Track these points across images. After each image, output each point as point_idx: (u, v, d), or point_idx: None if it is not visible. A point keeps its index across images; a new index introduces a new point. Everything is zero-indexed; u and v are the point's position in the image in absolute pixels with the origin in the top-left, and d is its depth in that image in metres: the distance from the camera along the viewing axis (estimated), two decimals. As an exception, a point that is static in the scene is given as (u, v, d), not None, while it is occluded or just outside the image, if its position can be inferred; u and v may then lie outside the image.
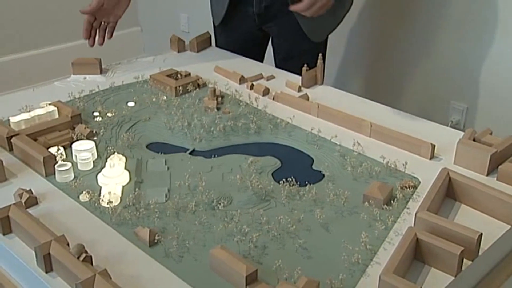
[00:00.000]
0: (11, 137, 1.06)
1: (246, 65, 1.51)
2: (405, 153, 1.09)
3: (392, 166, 1.04)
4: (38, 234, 0.80)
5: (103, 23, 1.45)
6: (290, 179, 0.99)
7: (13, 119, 1.13)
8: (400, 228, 0.88)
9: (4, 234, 0.85)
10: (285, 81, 1.41)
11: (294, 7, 1.35)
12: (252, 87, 1.38)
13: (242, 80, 1.41)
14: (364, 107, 1.29)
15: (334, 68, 2.45)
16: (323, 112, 1.23)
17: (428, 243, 0.78)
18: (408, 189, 0.97)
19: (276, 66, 1.63)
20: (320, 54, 1.39)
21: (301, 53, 1.55)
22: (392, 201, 0.94)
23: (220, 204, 0.92)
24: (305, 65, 1.38)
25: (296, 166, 1.09)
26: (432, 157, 1.07)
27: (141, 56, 1.62)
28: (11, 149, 1.07)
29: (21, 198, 0.91)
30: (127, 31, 3.42)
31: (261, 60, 1.68)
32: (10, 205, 0.86)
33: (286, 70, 1.49)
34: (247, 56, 1.57)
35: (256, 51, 1.68)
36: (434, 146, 1.07)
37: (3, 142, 1.08)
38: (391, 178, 1.01)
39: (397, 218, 0.90)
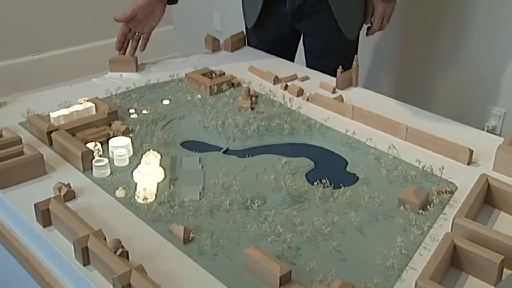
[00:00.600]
0: (51, 132, 1.09)
1: (279, 65, 1.51)
2: (442, 157, 1.07)
3: (428, 170, 1.02)
4: (76, 227, 0.82)
5: (136, 33, 1.46)
6: (324, 181, 0.98)
7: (53, 115, 1.15)
8: (436, 233, 0.86)
9: (44, 227, 0.87)
10: (319, 82, 1.40)
11: (369, 33, 1.66)
12: (286, 87, 1.37)
13: (276, 80, 1.41)
14: (399, 109, 1.28)
15: (364, 68, 2.42)
16: (358, 114, 1.22)
17: (466, 250, 0.77)
18: (444, 194, 0.95)
19: (307, 66, 1.62)
20: (356, 56, 1.37)
21: (333, 52, 1.55)
22: (428, 206, 0.92)
23: (254, 203, 0.93)
24: (340, 66, 1.37)
25: (330, 168, 1.09)
26: (469, 162, 1.05)
27: (176, 56, 1.64)
28: (50, 144, 1.10)
29: (60, 192, 0.93)
30: (160, 30, 3.43)
31: (292, 60, 1.68)
32: (50, 199, 0.88)
33: (317, 69, 1.48)
34: (278, 55, 1.57)
35: (288, 50, 1.68)
36: (472, 151, 1.05)
37: (43, 137, 1.10)
38: (427, 183, 1.00)
39: (433, 224, 0.89)
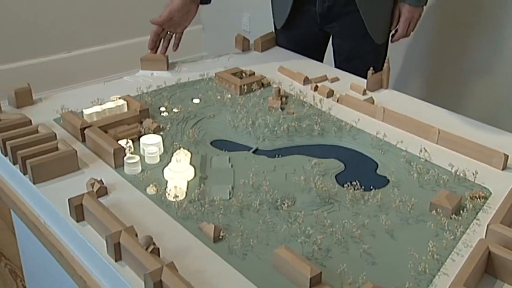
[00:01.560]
0: (84, 128, 1.11)
1: (309, 66, 1.51)
2: (475, 162, 1.05)
3: (461, 175, 1.01)
4: (109, 223, 0.83)
5: (168, 33, 1.48)
6: (355, 183, 0.98)
7: (86, 111, 1.17)
8: (470, 239, 0.85)
9: (77, 221, 0.88)
10: (349, 83, 1.40)
11: (394, 39, 1.60)
12: (316, 88, 1.37)
13: (306, 81, 1.41)
14: (431, 112, 1.26)
15: (394, 70, 2.40)
16: (389, 117, 1.21)
17: (501, 257, 0.75)
18: (478, 199, 0.94)
19: (336, 67, 1.61)
20: (388, 58, 1.36)
21: (361, 55, 1.53)
22: (461, 211, 0.91)
23: (284, 204, 0.93)
24: (371, 68, 1.36)
25: (360, 170, 1.08)
26: (504, 167, 1.03)
27: (205, 55, 1.65)
28: (83, 140, 1.11)
29: (93, 188, 0.95)
30: (189, 29, 3.47)
31: (321, 60, 1.67)
32: (83, 194, 0.89)
33: (346, 71, 1.47)
34: (307, 56, 1.57)
35: (316, 51, 1.67)
36: (507, 156, 1.03)
37: (77, 133, 1.12)
38: (460, 188, 0.98)
39: (466, 229, 0.87)
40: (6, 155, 1.05)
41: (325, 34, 1.66)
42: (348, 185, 0.98)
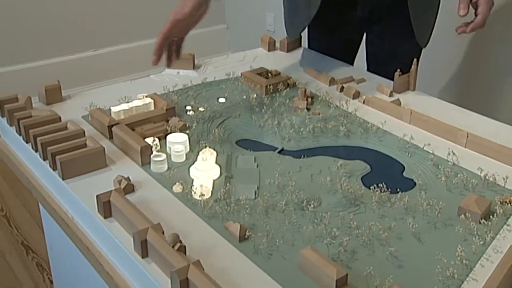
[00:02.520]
0: (112, 126, 1.12)
1: (335, 67, 1.50)
2: (505, 166, 1.03)
3: (491, 179, 0.99)
4: (136, 220, 0.84)
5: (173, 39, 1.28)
6: (381, 185, 0.97)
7: (114, 109, 1.18)
8: (500, 245, 0.83)
9: (105, 218, 0.89)
10: (376, 85, 1.38)
11: (469, 29, 1.25)
12: (342, 89, 1.36)
13: (332, 82, 1.40)
14: (459, 115, 1.24)
15: (422, 72, 2.36)
16: (416, 119, 1.19)
17: (533, 264, 0.74)
18: (509, 205, 0.92)
19: (369, 69, 1.58)
20: (415, 59, 1.34)
21: (401, 57, 1.48)
22: (490, 216, 0.89)
23: (309, 205, 0.92)
24: (398, 70, 1.35)
25: (386, 172, 1.07)
26: (535, 173, 1.01)
27: (230, 55, 1.65)
28: (111, 137, 1.12)
29: (120, 185, 0.96)
30: (213, 29, 3.50)
31: (352, 63, 1.65)
32: (111, 191, 0.90)
33: (381, 73, 1.45)
34: (339, 58, 1.55)
35: (350, 53, 1.64)
36: (538, 161, 1.01)
37: (104, 130, 1.13)
38: (489, 192, 0.96)
39: (496, 235, 0.86)
40: (36, 150, 1.06)
41: (361, 36, 1.63)
42: (374, 187, 0.97)
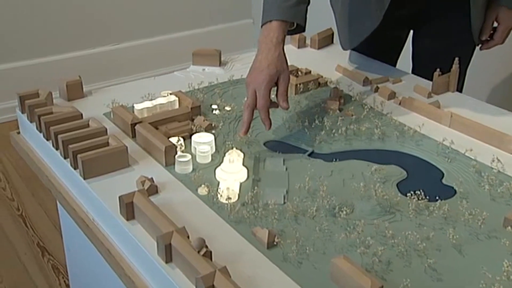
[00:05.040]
0: (135, 124, 1.13)
1: (369, 65, 1.49)
2: (554, 175, 1.01)
3: (539, 189, 0.97)
4: (160, 223, 0.85)
5: None
6: (418, 192, 0.96)
7: (137, 107, 1.20)
8: (549, 260, 0.82)
9: (127, 220, 0.90)
10: (413, 85, 1.37)
11: (488, 46, 1.45)
12: (377, 89, 1.35)
13: (366, 81, 1.39)
14: (505, 119, 1.22)
15: (475, 74, 2.32)
16: (457, 122, 1.18)
17: None
18: (558, 216, 0.90)
19: (414, 69, 1.55)
20: (457, 59, 1.32)
21: (449, 57, 1.44)
22: (538, 229, 0.88)
23: (342, 211, 0.92)
24: (438, 69, 1.33)
25: (424, 178, 1.06)
26: None
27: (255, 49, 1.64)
28: (133, 136, 1.14)
29: (143, 186, 0.97)
30: (239, 23, 3.51)
31: (394, 63, 1.62)
32: (134, 192, 0.91)
33: (426, 73, 1.42)
34: (380, 58, 1.53)
35: (392, 53, 1.61)
36: None
37: (127, 128, 1.15)
38: (537, 203, 0.95)
39: (545, 248, 0.84)
40: (57, 148, 1.08)
41: (405, 35, 1.60)
42: (411, 194, 0.96)
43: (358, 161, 1.10)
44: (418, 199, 0.95)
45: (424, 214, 0.93)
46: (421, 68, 1.53)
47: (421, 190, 0.96)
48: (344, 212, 0.92)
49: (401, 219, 0.92)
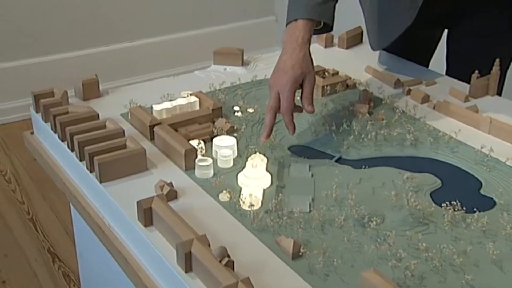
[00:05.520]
0: (154, 125, 1.14)
1: (401, 66, 1.49)
2: None
3: None
4: (180, 230, 0.85)
5: None
6: (454, 203, 0.95)
7: (156, 107, 1.21)
8: None
9: (145, 226, 0.91)
10: (448, 88, 1.36)
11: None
12: (409, 92, 1.35)
13: (397, 83, 1.39)
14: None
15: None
16: (497, 128, 1.17)
17: None
18: None
19: (448, 70, 1.54)
20: (497, 60, 1.31)
21: (489, 57, 1.41)
22: None
23: (371, 221, 0.92)
24: (476, 71, 1.32)
25: (461, 188, 1.05)
26: None
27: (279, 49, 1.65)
28: (152, 138, 1.15)
29: (162, 191, 0.98)
30: (261, 20, 3.53)
31: (427, 64, 1.60)
32: (153, 197, 0.92)
33: (463, 77, 1.40)
34: (412, 59, 1.52)
35: (424, 54, 1.60)
36: None
37: (145, 130, 1.16)
38: None
39: None
40: (72, 150, 1.10)
41: (439, 34, 1.58)
42: (446, 205, 0.95)
43: (389, 168, 1.10)
44: (454, 210, 0.94)
45: (460, 226, 0.92)
46: (456, 70, 1.51)
47: (457, 201, 0.95)
48: (374, 222, 0.91)
49: (435, 231, 0.92)
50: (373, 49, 1.46)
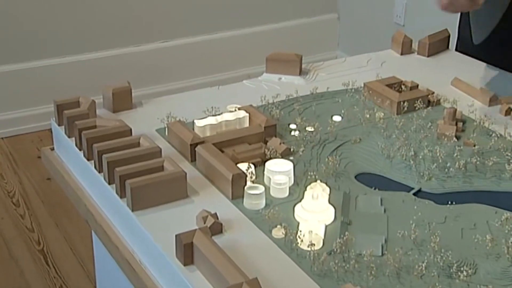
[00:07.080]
0: (196, 144, 1.17)
1: (499, 79, 1.48)
2: None
3: None
4: (226, 272, 0.87)
5: None
6: None
7: (198, 123, 1.24)
8: None
9: (184, 265, 0.94)
10: (558, 107, 1.35)
11: None
12: (509, 112, 1.34)
13: (493, 100, 1.38)
14: None
15: None
16: None
17: None
18: None
19: None
20: None
21: None
22: None
23: (461, 271, 0.91)
24: None
25: None
26: None
27: (342, 54, 1.67)
28: (193, 160, 1.18)
29: (205, 223, 1.00)
30: (321, 18, 3.56)
31: None
32: (195, 230, 0.95)
33: None
34: (508, 68, 1.51)
35: None
36: None
37: (186, 150, 1.19)
38: None
39: None
40: (100, 171, 1.14)
41: None
42: (556, 254, 0.94)
43: (482, 206, 1.09)
44: None
45: None
46: None
47: None
48: (465, 273, 0.91)
49: (541, 287, 0.91)
50: (474, 42, 1.44)
